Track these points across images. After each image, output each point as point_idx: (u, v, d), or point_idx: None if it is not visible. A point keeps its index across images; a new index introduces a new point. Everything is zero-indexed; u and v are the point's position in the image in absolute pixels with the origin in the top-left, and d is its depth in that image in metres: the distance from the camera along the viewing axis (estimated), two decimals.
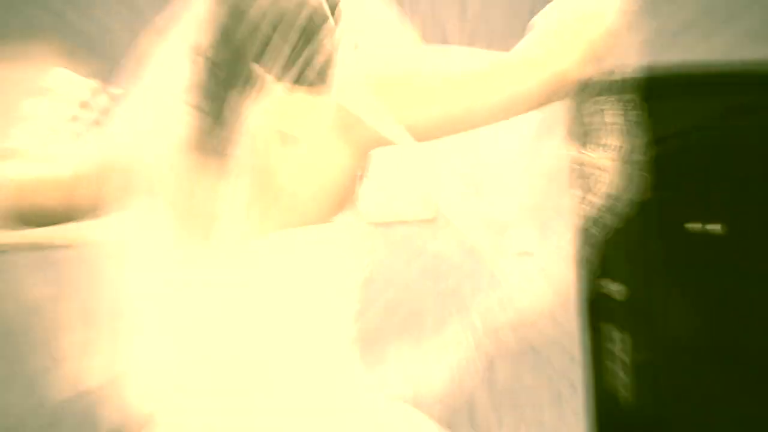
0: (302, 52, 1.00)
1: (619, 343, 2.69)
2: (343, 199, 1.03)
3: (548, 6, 1.04)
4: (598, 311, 2.64)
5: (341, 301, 1.07)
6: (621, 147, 1.03)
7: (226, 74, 1.03)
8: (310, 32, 1.00)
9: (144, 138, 1.08)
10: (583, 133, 1.07)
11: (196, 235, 1.03)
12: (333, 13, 1.02)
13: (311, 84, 1.01)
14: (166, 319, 1.07)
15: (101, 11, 2.63)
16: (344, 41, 1.04)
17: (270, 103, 1.01)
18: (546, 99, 0.97)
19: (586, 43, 0.97)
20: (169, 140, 1.05)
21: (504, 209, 1.15)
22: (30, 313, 1.42)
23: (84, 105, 1.30)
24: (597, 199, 1.06)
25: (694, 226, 2.78)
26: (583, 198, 1.05)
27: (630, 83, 1.12)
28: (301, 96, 1.00)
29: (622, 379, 2.68)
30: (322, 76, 1.01)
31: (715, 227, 2.76)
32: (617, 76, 1.04)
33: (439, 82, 1.01)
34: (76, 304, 1.16)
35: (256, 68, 1.00)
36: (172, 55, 1.07)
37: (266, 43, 1.00)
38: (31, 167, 1.20)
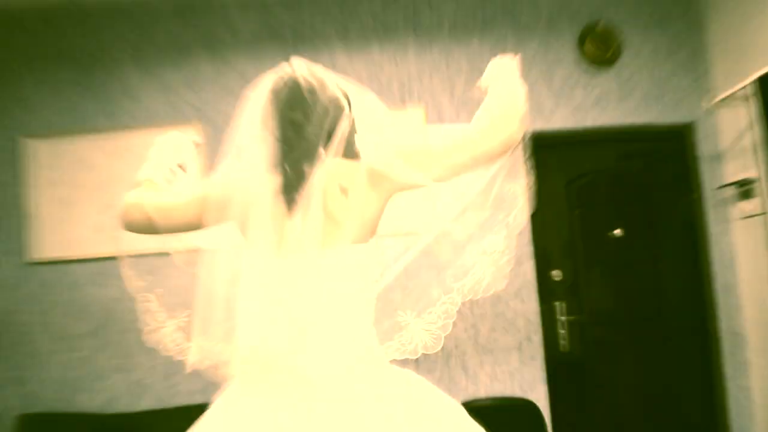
0: (336, 133, 1.24)
1: (559, 310, 3.19)
2: (374, 227, 1.26)
3: (485, 101, 1.34)
4: (546, 289, 3.17)
5: (370, 293, 1.26)
6: (531, 183, 1.39)
7: (291, 146, 1.23)
8: (338, 121, 1.25)
9: (244, 184, 1.25)
10: (516, 175, 1.36)
11: (279, 250, 1.21)
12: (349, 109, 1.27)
13: (345, 155, 1.24)
14: (252, 306, 1.22)
15: (227, 106, 3.04)
16: (357, 127, 1.28)
17: (326, 167, 1.21)
18: (496, 156, 1.26)
19: (509, 125, 1.26)
20: (262, 188, 1.24)
21: (479, 222, 1.37)
22: (143, 300, 1.37)
23: (186, 154, 1.51)
24: (519, 214, 1.40)
25: (605, 231, 3.27)
26: (511, 213, 1.39)
27: (544, 141, 1.54)
28: (343, 162, 1.24)
29: (561, 333, 3.18)
30: (351, 149, 1.26)
31: (618, 232, 3.26)
32: (536, 137, 1.42)
33: (434, 149, 1.26)
34: (176, 295, 1.37)
35: (312, 144, 1.22)
36: (252, 130, 1.26)
37: (315, 127, 1.23)
38: (163, 194, 1.36)
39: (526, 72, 3.14)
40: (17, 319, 3.08)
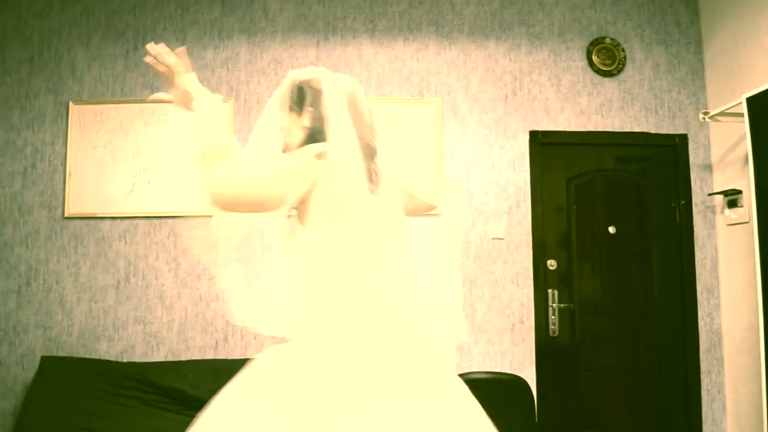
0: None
1: (551, 297, 3.33)
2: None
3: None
4: (540, 277, 3.33)
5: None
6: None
7: (365, 140, 1.37)
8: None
9: (351, 161, 1.31)
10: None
11: (361, 228, 1.30)
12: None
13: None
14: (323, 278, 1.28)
15: (259, 86, 3.39)
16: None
17: (392, 166, 1.39)
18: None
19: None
20: (359, 170, 1.32)
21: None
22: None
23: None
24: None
25: (599, 227, 3.41)
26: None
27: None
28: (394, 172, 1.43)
29: (552, 319, 3.32)
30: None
31: (611, 228, 3.40)
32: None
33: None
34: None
35: (374, 146, 1.37)
36: (339, 117, 1.33)
37: (371, 134, 1.37)
38: (244, 170, 1.29)
39: (537, 76, 3.42)
40: (49, 268, 3.25)
